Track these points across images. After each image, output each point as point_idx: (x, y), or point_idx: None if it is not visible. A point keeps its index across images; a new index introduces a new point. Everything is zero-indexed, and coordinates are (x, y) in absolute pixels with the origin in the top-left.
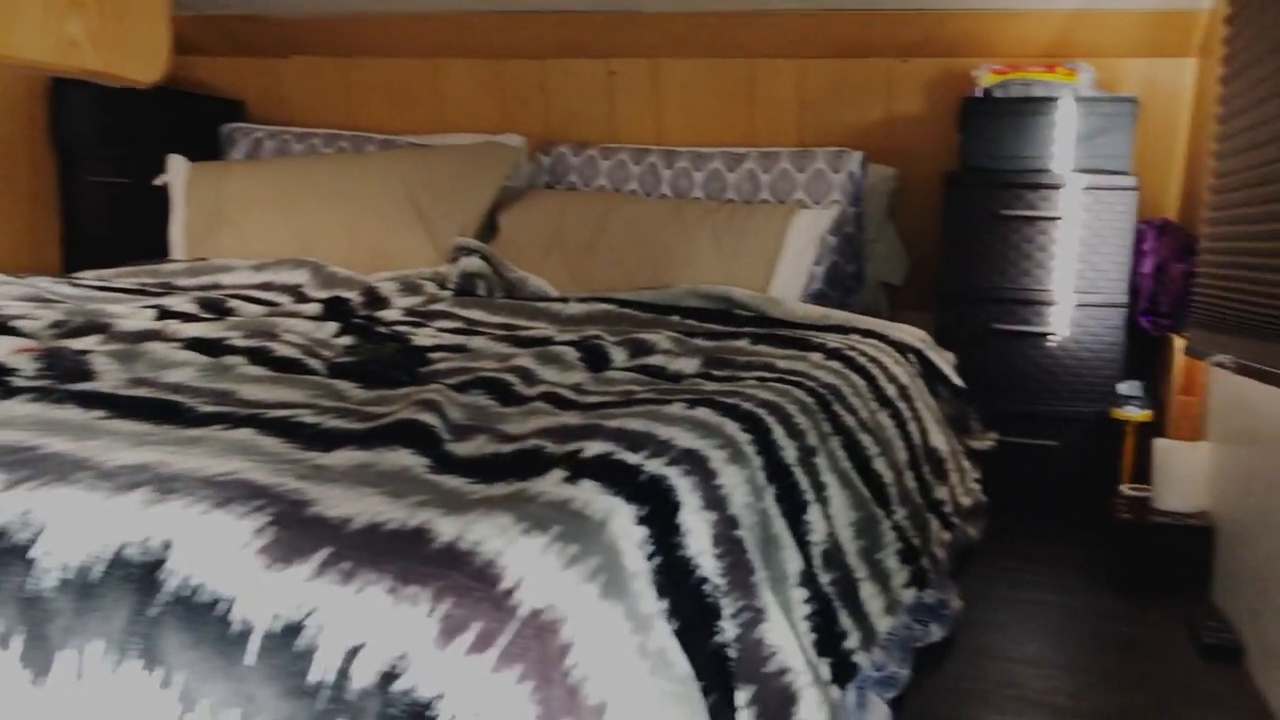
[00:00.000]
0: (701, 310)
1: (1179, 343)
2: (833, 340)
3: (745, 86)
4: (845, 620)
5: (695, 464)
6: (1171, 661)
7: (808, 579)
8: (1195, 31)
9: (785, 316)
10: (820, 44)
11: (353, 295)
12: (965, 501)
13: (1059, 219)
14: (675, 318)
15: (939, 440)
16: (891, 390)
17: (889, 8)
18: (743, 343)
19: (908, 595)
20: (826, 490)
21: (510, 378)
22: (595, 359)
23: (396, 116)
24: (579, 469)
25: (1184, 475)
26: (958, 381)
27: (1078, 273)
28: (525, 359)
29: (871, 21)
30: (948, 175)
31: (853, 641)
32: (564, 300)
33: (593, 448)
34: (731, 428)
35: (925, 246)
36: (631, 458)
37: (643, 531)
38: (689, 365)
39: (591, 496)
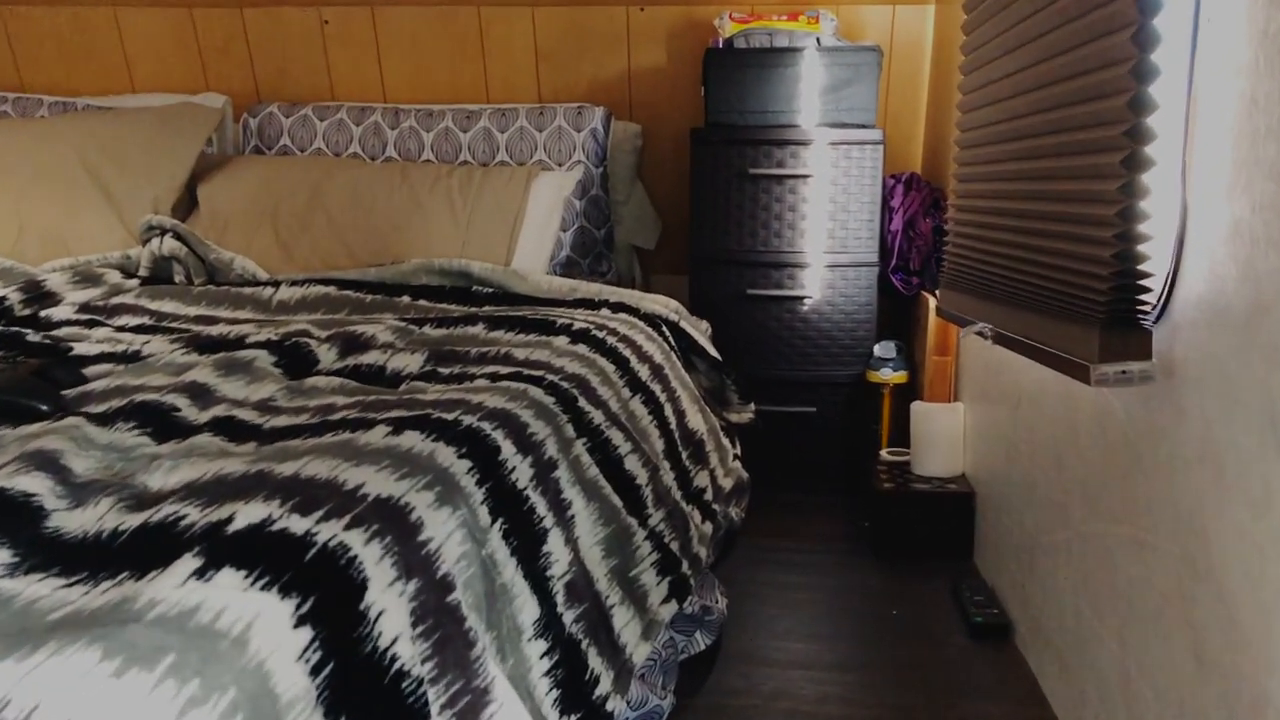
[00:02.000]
0: (436, 289)
1: (930, 302)
2: (580, 318)
3: (474, 37)
4: (596, 661)
5: (389, 519)
6: (943, 645)
7: (547, 625)
8: None
9: (530, 292)
10: None
11: (8, 292)
12: (727, 484)
13: (809, 176)
14: (405, 299)
15: (697, 421)
16: (645, 372)
17: None
18: (478, 328)
19: (667, 611)
20: (570, 509)
21: (177, 400)
22: (296, 363)
23: (72, 75)
24: (219, 551)
25: (941, 439)
26: (713, 353)
27: (828, 232)
28: (204, 370)
29: None
30: (694, 132)
31: (605, 685)
32: (274, 284)
33: (246, 514)
34: (445, 455)
35: (678, 208)
36: (298, 524)
37: (303, 637)
38: (412, 362)
39: (227, 599)
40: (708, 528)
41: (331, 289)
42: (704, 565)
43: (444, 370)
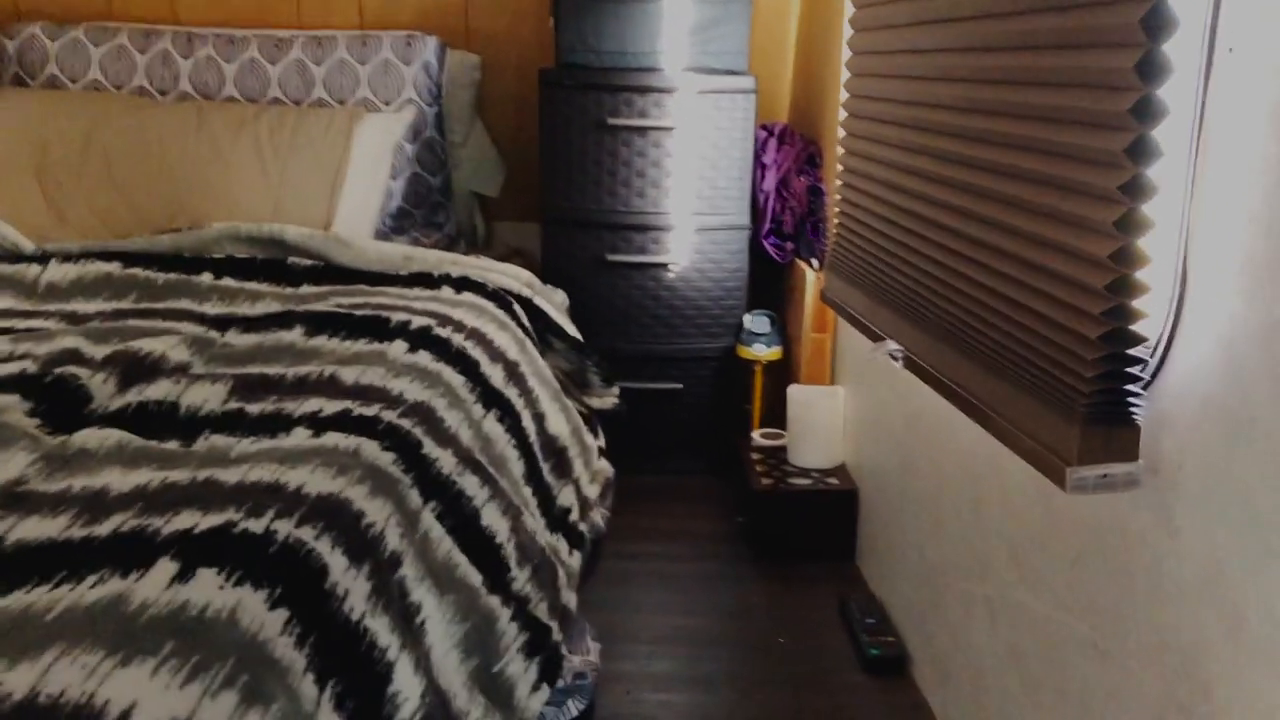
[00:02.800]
0: (244, 262)
1: (808, 273)
2: (419, 308)
3: None
4: None
5: None
6: (836, 684)
7: None
8: None
9: (355, 263)
10: None
11: None
12: (592, 492)
13: (673, 129)
14: (207, 277)
15: (558, 423)
16: (498, 376)
17: None
18: (295, 334)
19: (538, 701)
20: (420, 615)
21: None
22: (60, 406)
23: None
24: None
25: (820, 426)
26: (573, 332)
27: (696, 191)
28: None
29: None
30: (543, 74)
31: None
32: (42, 260)
33: None
34: (253, 612)
35: (523, 150)
36: None
37: None
38: (212, 396)
39: None
40: (575, 560)
41: (115, 266)
42: (573, 611)
43: (253, 409)
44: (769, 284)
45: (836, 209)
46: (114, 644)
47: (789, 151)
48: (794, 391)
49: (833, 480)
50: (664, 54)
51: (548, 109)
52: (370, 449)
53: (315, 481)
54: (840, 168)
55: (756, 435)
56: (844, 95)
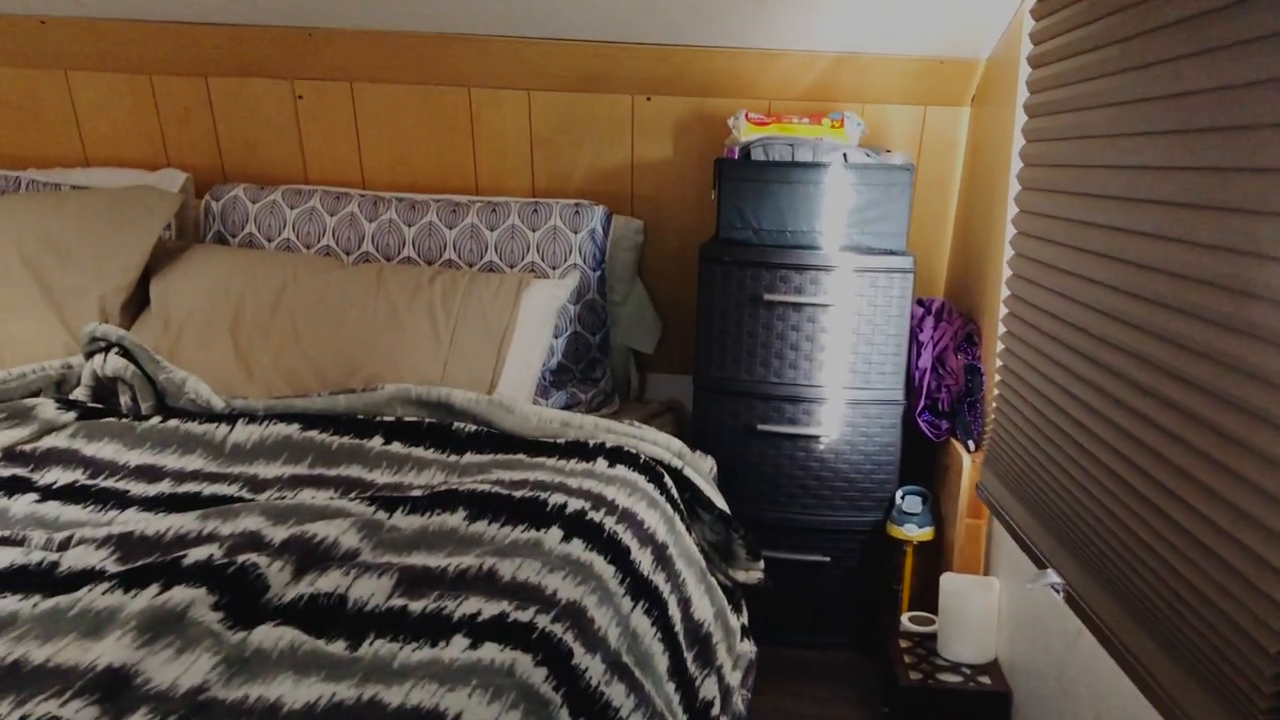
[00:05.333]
0: (412, 426)
1: (964, 455)
2: (574, 485)
3: (464, 120)
4: None
5: None
6: None
7: None
8: (971, 79)
9: (517, 429)
10: (552, 76)
11: None
12: (735, 679)
13: (829, 305)
14: (377, 442)
15: (703, 607)
16: (647, 563)
17: (631, 40)
18: (457, 519)
19: None
20: None
21: (74, 716)
22: (241, 598)
23: (19, 141)
24: None
25: (973, 620)
26: (721, 505)
27: (849, 365)
28: (125, 640)
29: (612, 55)
30: (703, 249)
31: None
32: (230, 418)
33: None
34: None
35: (678, 306)
36: None
37: None
38: (378, 590)
39: None
40: None
41: (294, 429)
42: None
43: (415, 607)
44: (922, 461)
45: (995, 401)
46: None
47: (946, 329)
48: (947, 581)
49: (984, 679)
50: (822, 233)
51: (706, 282)
52: (524, 664)
53: (471, 709)
54: (999, 362)
55: (905, 619)
56: (1007, 273)
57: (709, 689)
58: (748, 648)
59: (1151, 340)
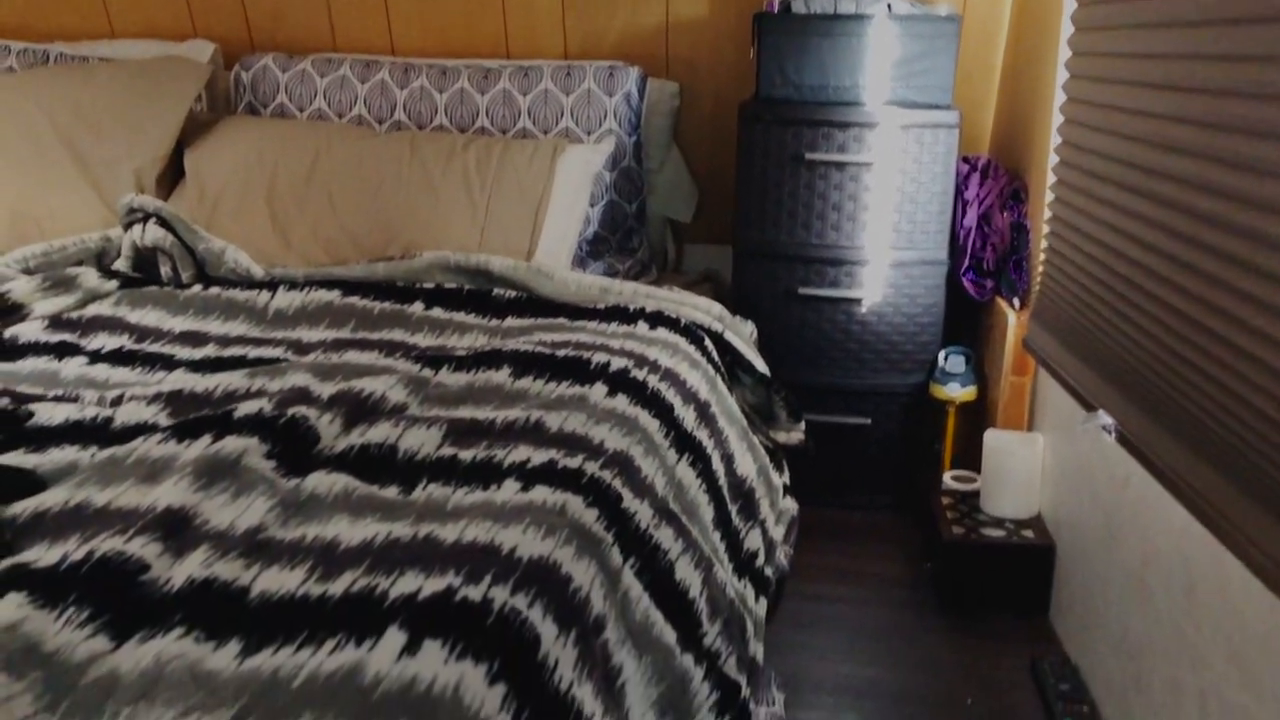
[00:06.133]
0: (452, 293)
1: (1009, 313)
2: (616, 346)
3: None
4: None
5: None
6: None
7: None
8: None
9: (556, 295)
10: None
11: None
12: (778, 533)
13: (872, 164)
14: (418, 307)
15: (746, 463)
16: (691, 419)
17: None
18: (503, 375)
19: None
20: (620, 677)
21: (145, 551)
22: (293, 446)
23: (45, 14)
24: None
25: (1017, 475)
26: (762, 368)
27: (893, 225)
28: (183, 483)
29: None
30: (742, 108)
31: None
32: (271, 285)
33: None
34: (475, 685)
35: (715, 174)
36: None
37: None
38: (428, 440)
39: None
40: (761, 606)
41: (335, 295)
42: (760, 663)
43: (465, 456)
44: (966, 321)
45: (1044, 251)
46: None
47: (992, 186)
48: (990, 438)
49: (1028, 533)
50: (866, 88)
51: (746, 143)
52: (575, 505)
53: (526, 543)
54: (1049, 213)
55: (947, 478)
56: (1058, 119)
57: (753, 540)
58: (790, 504)
59: (1213, 165)
